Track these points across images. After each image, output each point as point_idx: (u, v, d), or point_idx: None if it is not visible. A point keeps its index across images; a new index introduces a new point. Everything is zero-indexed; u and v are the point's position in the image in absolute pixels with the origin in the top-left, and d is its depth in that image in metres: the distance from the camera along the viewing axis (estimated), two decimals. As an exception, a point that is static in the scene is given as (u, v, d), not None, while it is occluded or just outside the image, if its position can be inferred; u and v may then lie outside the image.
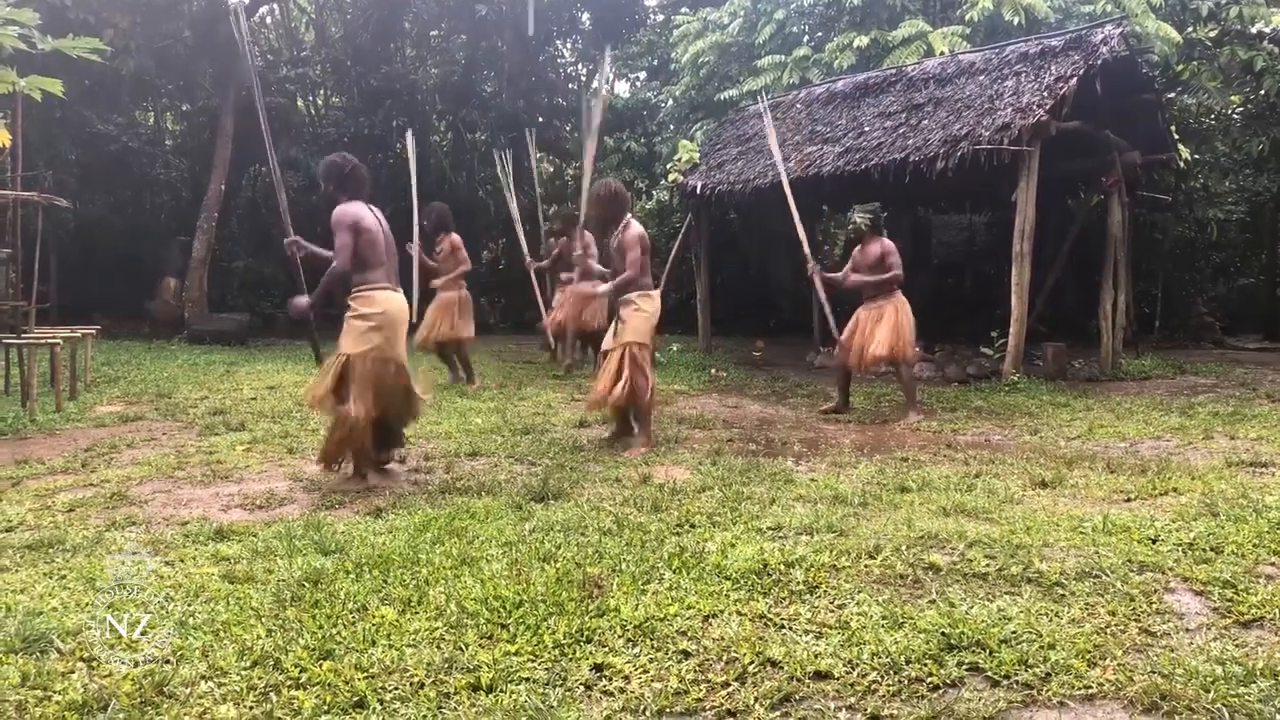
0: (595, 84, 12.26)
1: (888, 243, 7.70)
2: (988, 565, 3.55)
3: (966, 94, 10.45)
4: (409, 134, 10.58)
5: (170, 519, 4.51)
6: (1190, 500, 4.55)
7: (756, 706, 2.51)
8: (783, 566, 3.53)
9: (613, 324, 6.43)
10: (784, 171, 8.90)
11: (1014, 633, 2.89)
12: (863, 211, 7.81)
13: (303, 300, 5.27)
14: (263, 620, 3.08)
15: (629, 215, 6.35)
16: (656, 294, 6.41)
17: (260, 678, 2.68)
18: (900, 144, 10.25)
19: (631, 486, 5.10)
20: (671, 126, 17.58)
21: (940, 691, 2.59)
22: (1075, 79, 9.54)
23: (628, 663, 2.76)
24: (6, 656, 2.82)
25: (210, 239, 15.86)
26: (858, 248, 7.90)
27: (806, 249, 8.31)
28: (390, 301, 5.18)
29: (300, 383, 9.59)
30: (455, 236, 9.59)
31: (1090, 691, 2.56)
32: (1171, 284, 15.31)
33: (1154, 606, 3.14)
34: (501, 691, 2.60)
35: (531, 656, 2.81)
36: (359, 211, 5.14)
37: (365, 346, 5.05)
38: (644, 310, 6.24)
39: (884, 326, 7.54)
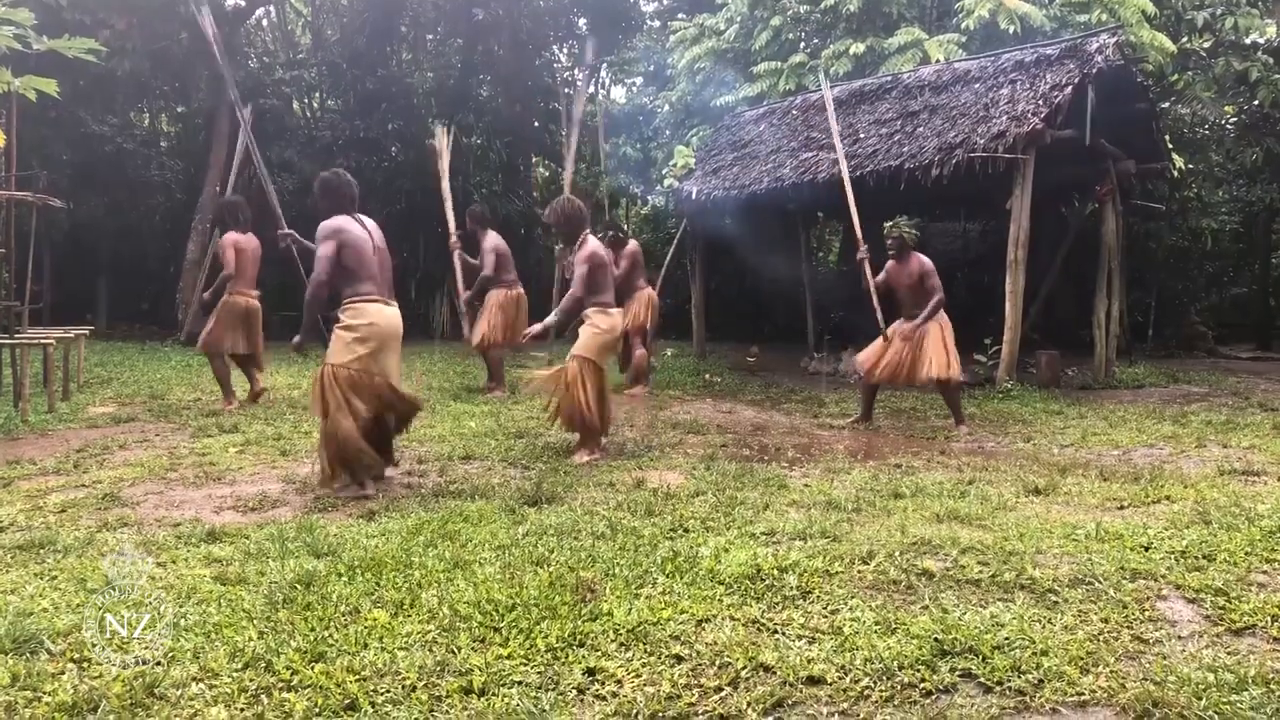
0: (579, 76, 11.82)
1: (927, 261, 7.46)
2: (981, 572, 3.55)
3: (962, 102, 10.48)
4: (439, 128, 10.40)
5: (162, 520, 4.49)
6: (1183, 508, 4.56)
7: (749, 711, 2.51)
8: (776, 572, 3.53)
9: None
10: (843, 158, 8.65)
11: (1007, 639, 2.89)
12: (909, 225, 7.53)
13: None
14: (254, 622, 3.07)
15: (586, 232, 6.33)
16: (615, 312, 6.35)
17: (252, 680, 2.67)
18: (895, 151, 10.28)
19: (625, 491, 5.09)
20: (667, 132, 17.61)
21: (933, 697, 2.59)
22: (1070, 88, 9.57)
23: (620, 667, 2.76)
24: (-4, 657, 2.81)
25: (205, 241, 15.83)
26: (892, 261, 7.60)
27: (859, 233, 7.98)
28: (380, 314, 5.16)
29: (293, 385, 9.59)
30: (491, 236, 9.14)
31: (1083, 698, 2.56)
32: (1165, 293, 15.37)
33: (1146, 614, 3.15)
34: (493, 695, 2.59)
35: (524, 660, 2.80)
36: (342, 224, 5.14)
37: (348, 357, 5.04)
38: (597, 327, 6.17)
39: (933, 345, 7.30)
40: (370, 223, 5.34)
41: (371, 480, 5.22)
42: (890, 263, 7.64)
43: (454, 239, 9.74)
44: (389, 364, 5.21)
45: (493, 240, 9.35)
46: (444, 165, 10.15)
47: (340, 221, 5.14)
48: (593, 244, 6.28)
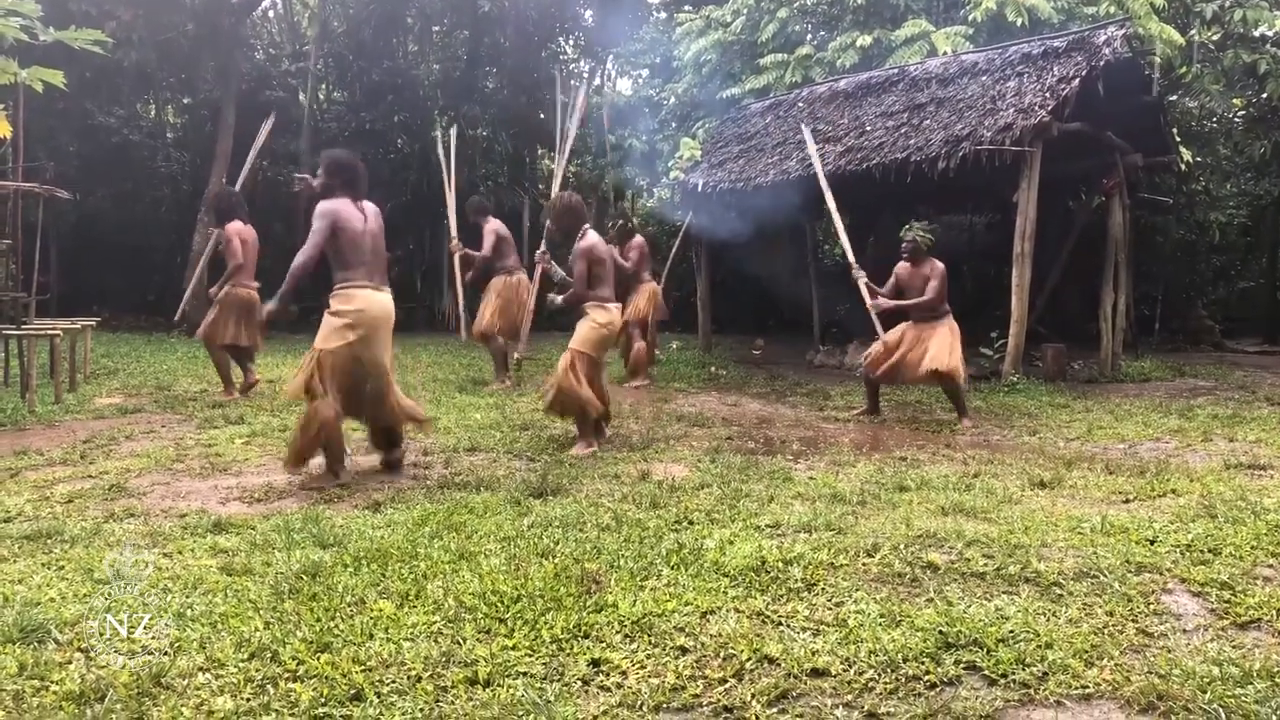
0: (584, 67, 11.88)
1: (939, 266, 7.40)
2: (986, 565, 3.55)
3: (969, 94, 10.44)
4: (453, 130, 10.54)
5: (169, 511, 4.50)
6: (1188, 502, 4.55)
7: (753, 703, 2.51)
8: (781, 564, 3.53)
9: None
10: (820, 170, 8.60)
11: (1011, 632, 2.89)
12: (923, 229, 7.49)
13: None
14: (260, 613, 3.08)
15: (586, 227, 6.30)
16: (614, 307, 6.32)
17: (258, 670, 2.68)
18: (902, 143, 10.24)
19: (630, 483, 5.10)
20: (673, 124, 17.55)
21: (937, 690, 2.59)
22: (1077, 80, 9.53)
23: (625, 658, 2.76)
24: (4, 646, 2.82)
25: (210, 233, 15.85)
26: (904, 263, 7.58)
27: (850, 255, 7.90)
28: (369, 300, 5.12)
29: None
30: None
31: (1087, 691, 2.56)
32: (1172, 287, 15.32)
33: (1151, 607, 3.15)
34: (499, 686, 2.60)
35: (529, 651, 2.81)
36: (338, 206, 5.09)
37: (337, 343, 5.02)
38: (595, 321, 6.18)
39: (937, 342, 7.29)
40: (371, 208, 5.29)
41: (344, 469, 5.25)
42: (903, 265, 7.62)
43: (454, 241, 9.80)
44: (379, 351, 5.17)
45: (493, 224, 9.38)
46: (449, 167, 10.21)
47: (337, 204, 5.10)
48: (592, 238, 6.26)
